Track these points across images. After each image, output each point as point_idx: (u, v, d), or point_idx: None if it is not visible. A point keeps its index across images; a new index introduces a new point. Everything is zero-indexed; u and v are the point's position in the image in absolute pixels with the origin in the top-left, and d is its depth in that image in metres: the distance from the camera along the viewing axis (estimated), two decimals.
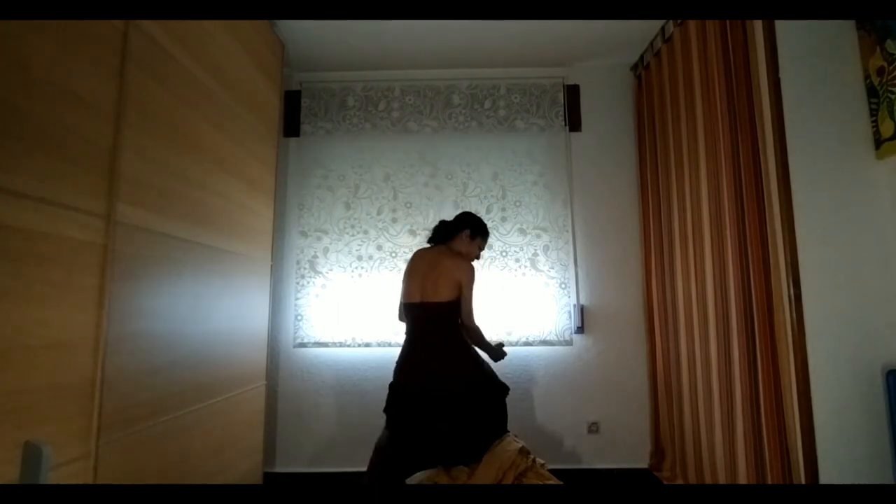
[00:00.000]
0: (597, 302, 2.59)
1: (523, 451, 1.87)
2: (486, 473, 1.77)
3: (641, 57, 2.57)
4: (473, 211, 2.60)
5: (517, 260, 2.59)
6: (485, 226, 2.12)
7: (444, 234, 2.09)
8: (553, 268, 2.59)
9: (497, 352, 2.07)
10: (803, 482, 1.41)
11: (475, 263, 2.10)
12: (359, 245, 2.61)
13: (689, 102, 2.06)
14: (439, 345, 1.91)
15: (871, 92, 1.58)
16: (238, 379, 1.87)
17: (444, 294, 1.91)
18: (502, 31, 2.37)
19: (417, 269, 2.01)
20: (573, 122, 2.72)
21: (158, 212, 1.36)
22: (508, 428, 1.97)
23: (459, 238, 2.05)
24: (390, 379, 2.01)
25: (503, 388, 1.97)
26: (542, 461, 1.96)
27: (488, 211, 2.63)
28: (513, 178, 2.65)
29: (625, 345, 2.55)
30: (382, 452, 1.91)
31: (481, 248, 2.13)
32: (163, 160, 1.39)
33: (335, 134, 2.70)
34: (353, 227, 2.63)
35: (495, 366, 2.05)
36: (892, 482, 1.41)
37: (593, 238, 2.63)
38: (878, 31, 1.55)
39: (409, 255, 2.59)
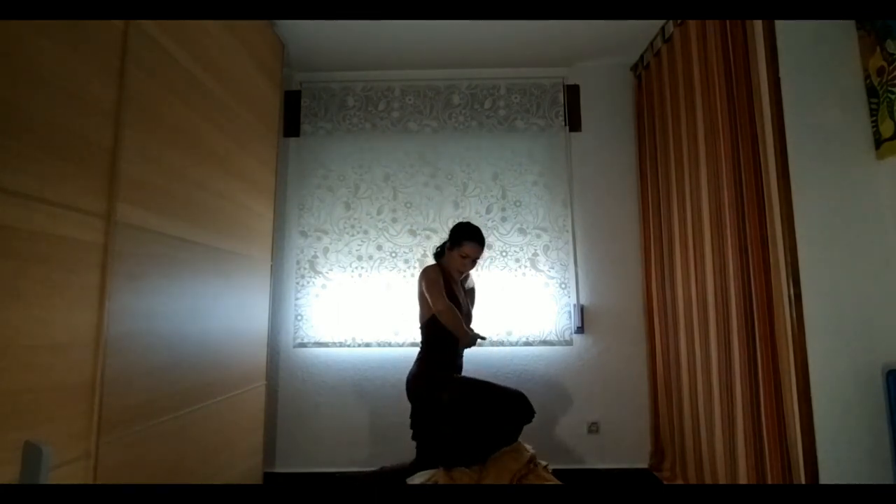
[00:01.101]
0: (597, 302, 2.59)
1: (532, 460, 1.88)
2: (497, 478, 1.77)
3: (641, 57, 2.57)
4: (473, 211, 2.61)
5: (517, 260, 2.59)
6: (463, 231, 2.04)
7: (440, 254, 2.16)
8: (553, 268, 2.59)
9: (472, 337, 2.04)
10: (803, 482, 1.41)
11: (474, 272, 2.12)
12: (359, 245, 2.61)
13: (689, 102, 2.06)
14: (411, 370, 2.04)
15: (871, 92, 1.58)
16: (238, 379, 1.87)
17: (421, 316, 2.05)
18: (502, 31, 2.36)
19: None
20: (573, 122, 2.71)
21: (158, 212, 1.36)
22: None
23: (445, 252, 2.11)
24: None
25: (526, 410, 1.94)
26: (544, 462, 1.96)
27: (488, 211, 2.63)
28: (513, 178, 2.65)
29: (625, 345, 2.55)
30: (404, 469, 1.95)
31: (465, 256, 2.02)
32: (163, 160, 1.39)
33: (335, 134, 2.70)
34: (353, 227, 2.63)
35: (498, 371, 2.05)
36: (892, 482, 1.41)
37: (593, 238, 2.63)
38: (878, 31, 1.55)
39: (409, 255, 2.61)
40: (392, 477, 1.92)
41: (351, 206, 2.65)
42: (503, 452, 1.88)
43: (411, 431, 1.99)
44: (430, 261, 2.13)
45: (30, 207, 0.94)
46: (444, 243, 2.14)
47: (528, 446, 1.94)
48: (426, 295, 1.98)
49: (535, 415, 1.95)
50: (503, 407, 1.92)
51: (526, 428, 1.96)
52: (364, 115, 2.71)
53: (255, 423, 2.04)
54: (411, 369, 2.03)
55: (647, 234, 2.52)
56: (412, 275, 2.56)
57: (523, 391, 1.98)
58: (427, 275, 2.00)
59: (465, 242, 2.02)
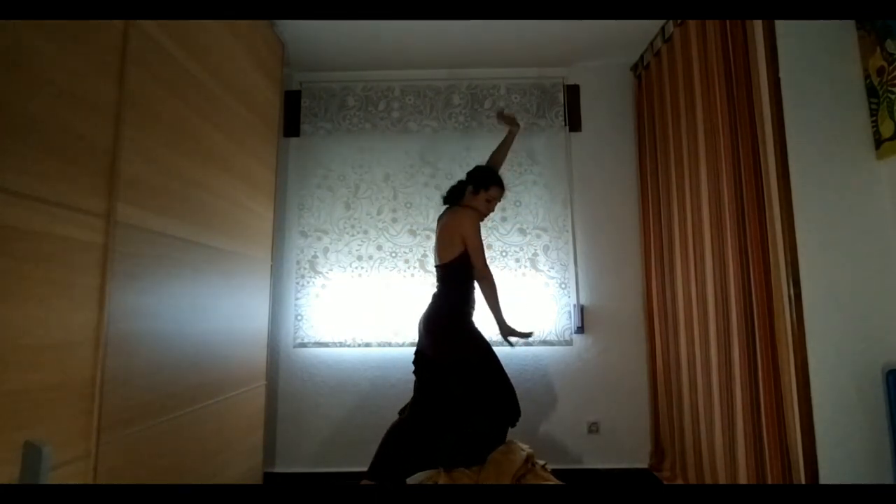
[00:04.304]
0: (597, 302, 2.59)
1: (530, 459, 1.87)
2: (497, 478, 1.77)
3: (641, 57, 2.57)
4: None
5: (517, 260, 2.59)
6: (489, 175, 2.04)
7: (454, 196, 2.12)
8: (553, 268, 2.58)
9: (506, 329, 2.00)
10: (803, 482, 1.41)
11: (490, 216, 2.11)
12: (359, 245, 2.61)
13: (689, 102, 2.06)
14: (432, 307, 1.98)
15: (871, 92, 1.58)
16: (238, 379, 1.87)
17: (444, 255, 1.97)
18: (502, 31, 2.36)
19: (436, 233, 2.09)
20: (573, 122, 2.71)
21: (158, 212, 1.37)
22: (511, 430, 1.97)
23: (466, 196, 2.06)
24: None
25: (514, 411, 1.94)
26: (542, 462, 1.96)
27: None
28: (513, 178, 2.64)
29: (625, 345, 2.55)
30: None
31: (491, 200, 2.03)
32: (163, 160, 1.39)
33: (335, 134, 2.70)
34: (353, 227, 2.63)
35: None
36: (892, 482, 1.41)
37: (593, 238, 2.63)
38: (878, 31, 1.55)
39: (409, 255, 2.60)
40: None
41: (351, 206, 2.65)
42: (500, 452, 1.87)
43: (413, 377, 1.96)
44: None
45: (30, 207, 0.94)
46: (460, 186, 2.10)
47: (523, 445, 1.94)
48: (467, 242, 1.92)
49: (520, 419, 1.95)
50: (502, 397, 1.92)
51: (526, 428, 1.96)
52: (364, 115, 2.71)
53: (255, 423, 2.04)
54: (429, 308, 1.98)
55: (647, 234, 2.52)
56: (412, 275, 2.56)
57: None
58: (471, 222, 1.93)
59: (492, 186, 2.03)
